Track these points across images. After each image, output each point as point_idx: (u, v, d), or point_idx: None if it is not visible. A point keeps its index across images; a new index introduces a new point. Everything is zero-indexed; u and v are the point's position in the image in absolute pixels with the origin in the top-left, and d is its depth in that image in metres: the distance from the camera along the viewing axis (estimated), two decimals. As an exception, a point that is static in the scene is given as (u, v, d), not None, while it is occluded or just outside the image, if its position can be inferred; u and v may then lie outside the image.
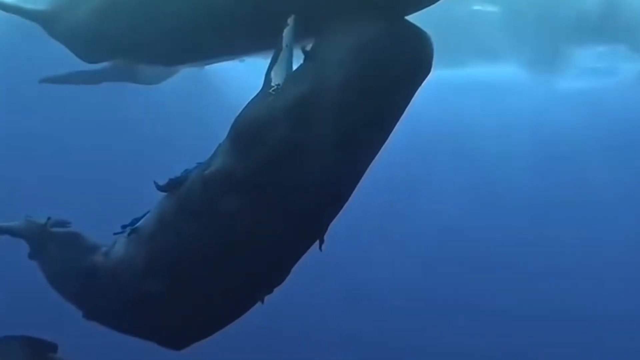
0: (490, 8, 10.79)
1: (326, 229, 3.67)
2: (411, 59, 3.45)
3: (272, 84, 3.46)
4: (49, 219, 5.13)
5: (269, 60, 3.56)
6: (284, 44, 3.49)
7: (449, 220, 12.56)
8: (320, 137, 3.38)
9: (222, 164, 3.55)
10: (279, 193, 3.47)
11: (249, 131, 3.47)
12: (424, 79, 3.54)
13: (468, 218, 12.76)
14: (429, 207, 12.49)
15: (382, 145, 3.59)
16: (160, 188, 3.85)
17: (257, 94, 3.55)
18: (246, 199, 3.50)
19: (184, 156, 3.92)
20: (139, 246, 3.99)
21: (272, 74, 3.49)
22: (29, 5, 5.16)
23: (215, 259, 3.68)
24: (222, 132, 3.68)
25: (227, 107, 3.85)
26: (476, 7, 10.80)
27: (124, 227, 4.08)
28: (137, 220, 4.01)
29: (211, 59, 4.21)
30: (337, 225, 3.75)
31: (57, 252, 4.95)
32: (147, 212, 4.05)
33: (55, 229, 5.14)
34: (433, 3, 3.56)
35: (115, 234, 4.16)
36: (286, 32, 3.48)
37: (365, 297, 12.17)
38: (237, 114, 3.60)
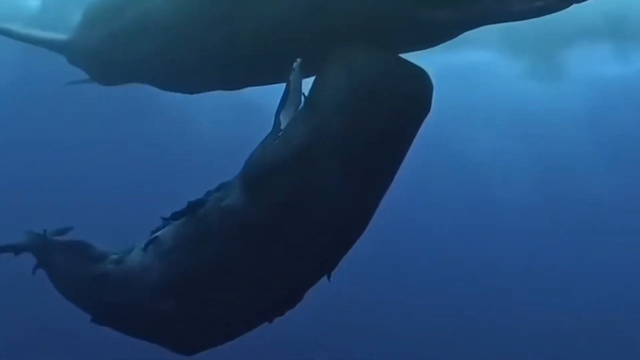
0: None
1: (337, 263, 3.78)
2: (410, 100, 3.49)
3: (281, 127, 3.55)
4: (45, 231, 5.26)
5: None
6: (291, 88, 3.56)
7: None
8: (326, 183, 3.46)
9: (236, 200, 3.66)
10: (290, 235, 3.58)
11: (259, 177, 3.58)
12: (424, 119, 3.56)
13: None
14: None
15: (389, 183, 3.64)
16: (180, 212, 3.97)
17: (267, 136, 3.64)
18: (260, 237, 3.63)
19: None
20: (155, 260, 4.10)
21: (281, 117, 3.58)
22: (49, 35, 5.28)
23: (228, 282, 3.81)
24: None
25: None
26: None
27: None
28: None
29: (228, 88, 4.22)
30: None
31: (63, 260, 5.03)
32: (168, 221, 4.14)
33: (58, 238, 5.27)
34: (430, 46, 3.61)
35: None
36: (293, 76, 3.55)
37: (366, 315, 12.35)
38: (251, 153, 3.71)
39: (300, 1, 3.51)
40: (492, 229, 13.37)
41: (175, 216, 4.00)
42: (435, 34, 3.54)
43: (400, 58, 3.55)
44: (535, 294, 13.47)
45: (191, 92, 4.31)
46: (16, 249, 5.32)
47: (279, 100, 3.63)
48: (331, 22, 3.47)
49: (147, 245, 4.18)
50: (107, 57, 4.52)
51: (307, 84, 3.63)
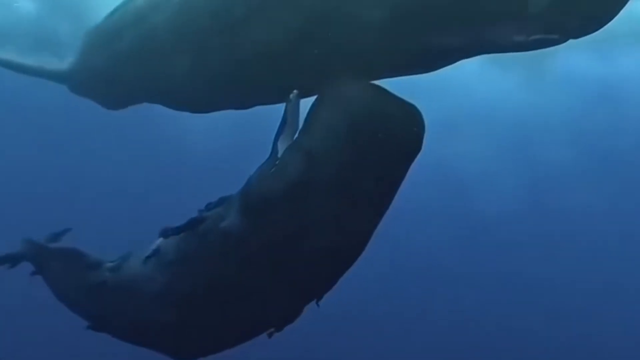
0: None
1: (332, 287, 3.90)
2: (403, 140, 3.60)
3: (279, 155, 3.67)
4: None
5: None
6: (288, 118, 3.68)
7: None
8: (321, 216, 3.59)
9: (236, 224, 3.79)
10: (286, 259, 3.72)
11: (257, 208, 3.71)
12: (416, 157, 3.66)
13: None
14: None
15: (382, 214, 3.74)
16: (181, 227, 4.06)
17: (265, 162, 3.76)
18: (257, 260, 3.76)
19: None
20: (156, 271, 4.21)
21: (279, 144, 3.70)
22: (49, 66, 5.26)
23: (226, 298, 3.94)
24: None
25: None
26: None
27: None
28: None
29: (236, 107, 4.25)
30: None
31: (59, 268, 5.08)
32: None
33: (53, 246, 5.28)
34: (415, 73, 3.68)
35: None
36: (290, 107, 3.68)
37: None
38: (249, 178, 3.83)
39: (296, 27, 3.56)
40: (476, 237, 13.50)
41: (176, 230, 4.08)
42: (434, 62, 3.62)
43: (394, 96, 3.62)
44: (520, 299, 13.62)
45: (200, 112, 4.35)
46: (14, 259, 5.35)
47: (277, 124, 3.72)
48: (331, 49, 3.54)
49: (149, 256, 4.28)
50: (111, 81, 4.56)
51: (304, 105, 3.74)
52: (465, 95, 12.02)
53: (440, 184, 12.95)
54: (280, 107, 3.77)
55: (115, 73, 4.50)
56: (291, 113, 3.70)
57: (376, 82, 3.70)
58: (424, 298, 13.37)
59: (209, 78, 3.96)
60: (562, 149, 13.22)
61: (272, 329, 4.02)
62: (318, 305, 3.94)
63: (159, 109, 4.58)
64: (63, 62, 5.09)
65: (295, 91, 3.66)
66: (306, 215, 3.62)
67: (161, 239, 4.27)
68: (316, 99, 3.71)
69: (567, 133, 13.05)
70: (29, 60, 5.46)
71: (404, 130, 3.58)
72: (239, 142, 11.40)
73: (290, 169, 3.61)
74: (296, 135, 3.70)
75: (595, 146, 13.19)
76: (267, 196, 3.66)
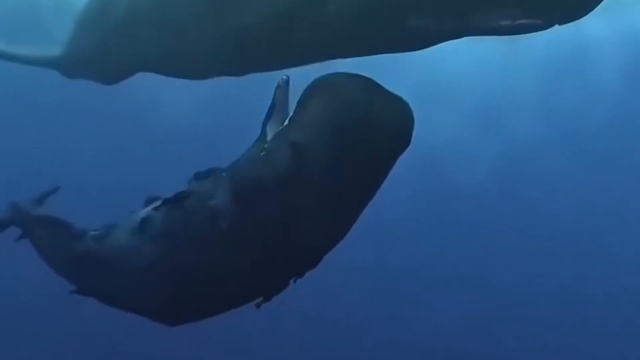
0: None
1: (315, 266, 4.00)
2: (392, 134, 3.63)
3: (268, 139, 3.76)
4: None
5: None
6: (277, 103, 3.76)
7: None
8: (308, 203, 3.67)
9: (225, 205, 3.87)
10: (273, 239, 3.81)
11: (247, 194, 3.78)
12: (404, 150, 3.72)
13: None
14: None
15: (367, 203, 3.82)
16: (168, 200, 4.17)
17: (254, 144, 3.85)
18: (244, 239, 3.86)
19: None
20: (142, 244, 4.30)
21: (267, 128, 3.78)
22: (41, 54, 5.31)
23: (213, 271, 4.04)
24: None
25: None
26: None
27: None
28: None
29: (231, 74, 4.25)
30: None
31: (45, 235, 5.19)
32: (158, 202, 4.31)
33: (38, 213, 5.37)
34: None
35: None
36: (279, 92, 3.76)
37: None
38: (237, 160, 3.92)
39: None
40: (450, 214, 13.64)
41: (163, 202, 4.19)
42: (417, 42, 3.66)
43: (385, 90, 3.66)
44: (492, 279, 13.82)
45: (196, 79, 4.35)
46: (1, 225, 5.42)
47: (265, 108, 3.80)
48: (321, 19, 3.56)
49: (136, 230, 4.35)
50: (105, 57, 4.63)
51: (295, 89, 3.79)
52: (438, 68, 12.11)
53: (412, 157, 13.03)
54: (273, 80, 3.81)
55: (108, 49, 4.56)
56: (280, 98, 3.77)
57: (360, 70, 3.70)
58: (393, 269, 13.50)
59: (201, 47, 3.98)
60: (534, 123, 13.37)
61: (260, 299, 4.10)
62: (294, 282, 4.02)
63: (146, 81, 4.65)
64: (54, 49, 5.15)
65: (284, 77, 3.73)
66: (294, 204, 3.69)
67: (146, 210, 4.37)
68: (306, 90, 3.74)
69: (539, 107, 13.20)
70: (20, 50, 5.49)
71: (393, 125, 3.61)
72: (227, 118, 11.53)
73: (279, 160, 3.66)
74: (286, 122, 3.75)
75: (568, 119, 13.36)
76: (257, 184, 3.72)
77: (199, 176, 4.12)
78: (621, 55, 12.32)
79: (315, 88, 3.70)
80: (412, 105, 3.65)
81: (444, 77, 12.30)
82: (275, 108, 3.79)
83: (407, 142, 3.69)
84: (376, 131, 3.58)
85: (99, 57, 4.69)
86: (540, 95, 13.16)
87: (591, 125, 13.48)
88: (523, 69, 12.41)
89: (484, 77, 12.33)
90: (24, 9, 10.57)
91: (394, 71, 3.81)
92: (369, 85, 3.67)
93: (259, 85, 4.22)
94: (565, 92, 13.11)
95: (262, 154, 3.72)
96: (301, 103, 3.74)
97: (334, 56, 3.82)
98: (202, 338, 10.87)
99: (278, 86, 3.79)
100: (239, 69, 4.12)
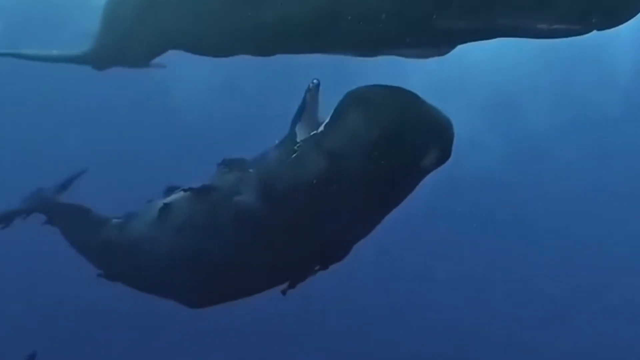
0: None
1: (340, 259, 4.05)
2: (430, 149, 3.50)
3: (297, 140, 3.75)
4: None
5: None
6: (307, 105, 3.75)
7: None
8: (337, 208, 3.68)
9: (252, 202, 3.91)
10: (297, 236, 3.86)
11: (277, 193, 3.79)
12: (442, 164, 3.60)
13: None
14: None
15: (394, 208, 3.83)
16: (192, 190, 4.20)
17: (282, 146, 3.84)
18: (270, 235, 3.91)
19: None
20: (165, 234, 4.36)
21: (297, 129, 3.78)
22: (72, 52, 5.32)
23: (237, 260, 4.10)
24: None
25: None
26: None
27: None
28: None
29: (258, 54, 4.09)
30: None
31: (67, 223, 5.33)
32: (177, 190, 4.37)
33: (60, 202, 5.51)
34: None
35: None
36: (309, 96, 3.76)
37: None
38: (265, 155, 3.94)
39: None
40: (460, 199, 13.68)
41: (186, 190, 4.22)
42: (449, 43, 3.54)
43: (426, 104, 3.52)
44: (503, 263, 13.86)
45: (220, 56, 4.23)
46: (25, 212, 5.51)
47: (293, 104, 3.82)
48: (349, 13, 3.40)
49: (159, 214, 4.40)
50: (137, 38, 4.59)
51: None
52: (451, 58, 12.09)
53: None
54: (299, 63, 3.78)
55: (141, 28, 4.54)
56: (310, 101, 3.76)
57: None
58: (406, 259, 13.55)
59: (234, 29, 3.89)
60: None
61: (286, 286, 4.12)
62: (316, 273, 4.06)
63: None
64: (82, 46, 5.18)
65: (314, 80, 3.72)
66: (322, 207, 3.70)
67: (167, 199, 4.41)
68: (343, 99, 3.67)
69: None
70: (51, 51, 5.54)
71: (433, 141, 3.50)
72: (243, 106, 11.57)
73: (311, 165, 3.64)
74: (321, 128, 3.70)
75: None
76: (287, 186, 3.71)
77: (225, 163, 4.14)
78: (635, 47, 12.30)
79: (355, 99, 3.63)
80: (425, 96, 3.56)
81: (457, 68, 12.33)
82: (305, 110, 3.78)
83: (446, 157, 3.58)
84: (416, 147, 3.49)
85: (131, 40, 4.70)
86: (552, 86, 13.15)
87: (603, 115, 13.46)
88: (535, 59, 12.40)
89: (497, 66, 12.33)
90: (45, 8, 10.68)
91: (406, 62, 3.74)
92: (410, 99, 3.55)
93: (277, 74, 4.22)
94: (578, 82, 13.10)
95: (293, 156, 3.72)
96: (339, 111, 3.65)
97: (365, 53, 3.73)
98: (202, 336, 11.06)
99: (308, 89, 3.78)
100: (269, 52, 4.02)
